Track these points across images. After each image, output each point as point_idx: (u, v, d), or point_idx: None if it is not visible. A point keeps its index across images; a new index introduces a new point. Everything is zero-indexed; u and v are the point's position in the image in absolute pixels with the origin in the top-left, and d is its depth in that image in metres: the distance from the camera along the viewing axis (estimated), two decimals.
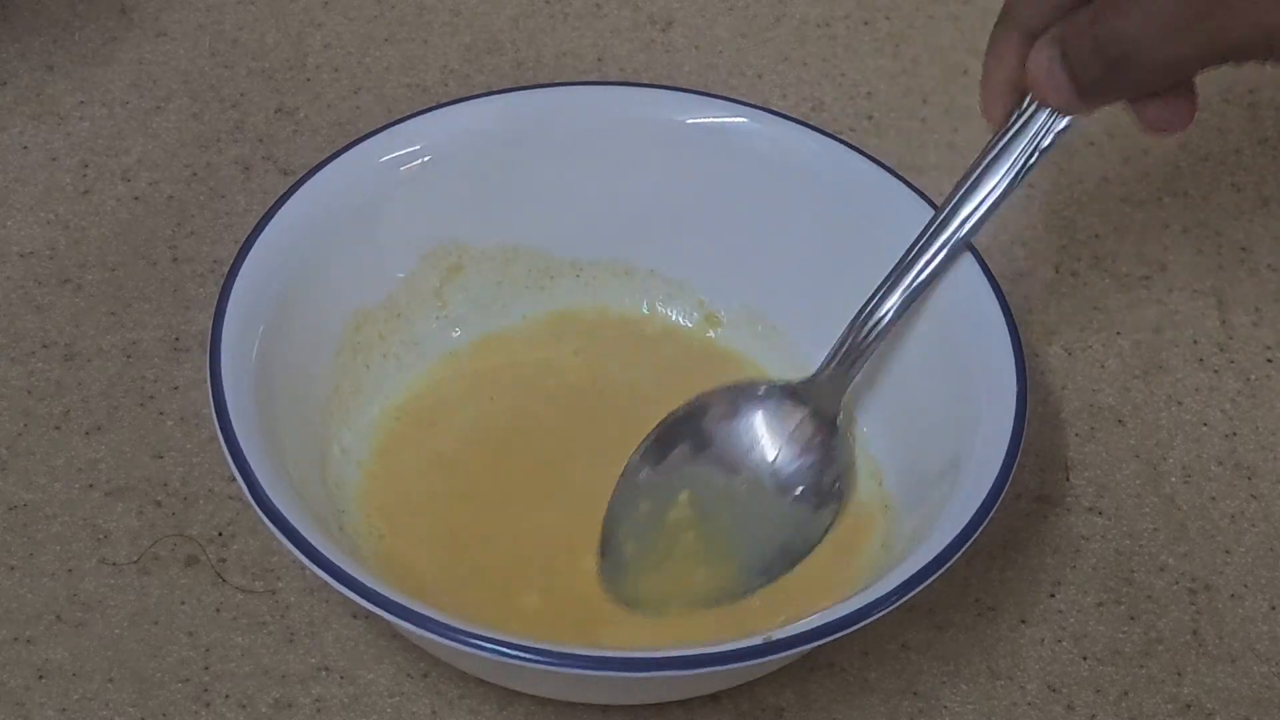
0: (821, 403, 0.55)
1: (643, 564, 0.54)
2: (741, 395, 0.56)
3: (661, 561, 0.54)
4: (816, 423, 0.55)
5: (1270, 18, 0.46)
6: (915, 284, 0.54)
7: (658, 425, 0.55)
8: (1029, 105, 0.52)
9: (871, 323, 0.54)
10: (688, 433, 0.55)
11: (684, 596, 0.53)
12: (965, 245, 0.54)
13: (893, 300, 0.54)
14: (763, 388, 0.56)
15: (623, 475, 0.55)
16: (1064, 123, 0.52)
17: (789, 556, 0.54)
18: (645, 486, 0.55)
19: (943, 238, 0.54)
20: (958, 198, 0.53)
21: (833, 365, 0.54)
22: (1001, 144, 0.53)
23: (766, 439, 0.55)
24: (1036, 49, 0.51)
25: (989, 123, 0.53)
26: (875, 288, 0.54)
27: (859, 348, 0.54)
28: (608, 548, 0.54)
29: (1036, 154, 0.52)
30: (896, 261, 0.54)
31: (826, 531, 0.54)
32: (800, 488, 0.55)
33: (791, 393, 0.55)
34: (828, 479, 0.55)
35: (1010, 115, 0.53)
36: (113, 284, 0.62)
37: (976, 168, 0.53)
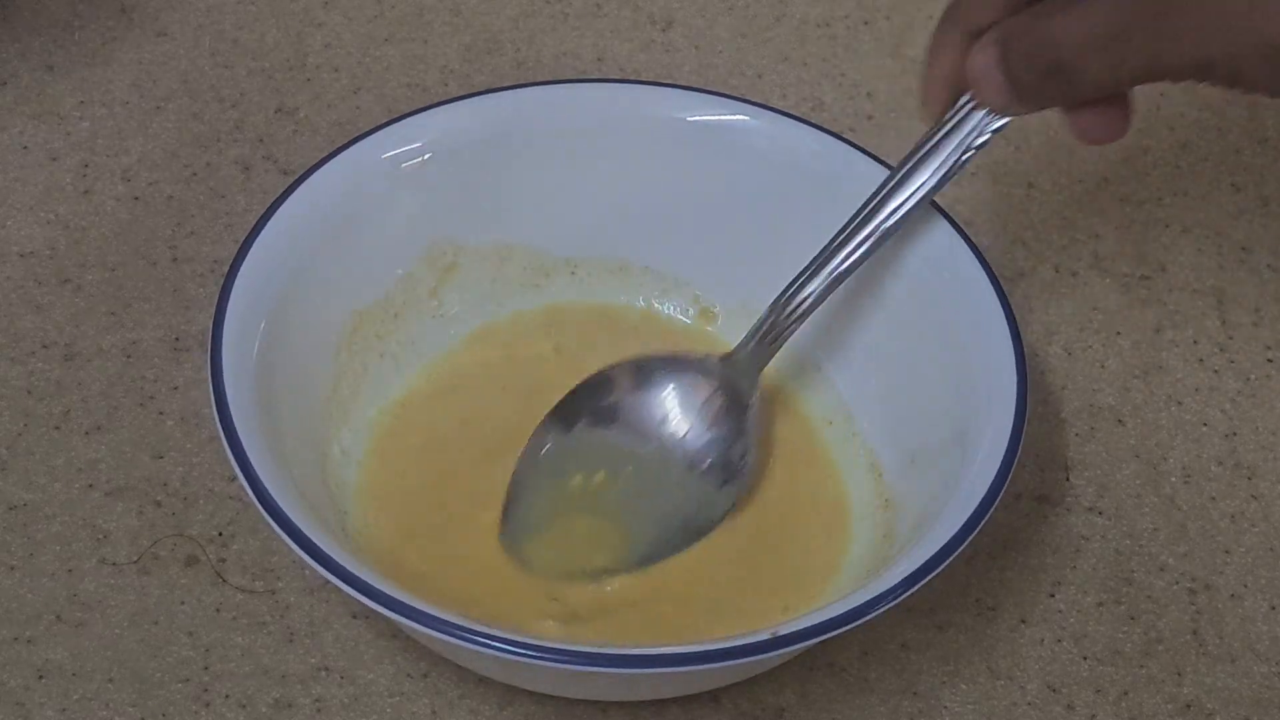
0: (738, 379, 0.55)
1: (539, 527, 0.54)
2: (657, 365, 0.56)
3: (557, 526, 0.54)
4: (729, 399, 0.55)
5: (1202, 50, 0.46)
6: (838, 271, 0.54)
7: (572, 390, 0.56)
8: (966, 102, 0.52)
9: (794, 305, 0.54)
10: (599, 399, 0.56)
11: (576, 562, 0.53)
12: (889, 234, 0.54)
13: (815, 284, 0.54)
14: (679, 360, 0.56)
15: (531, 436, 0.55)
16: (1000, 121, 0.52)
17: (689, 532, 0.54)
18: (551, 450, 0.55)
19: (869, 227, 0.54)
20: (887, 189, 0.54)
21: (753, 343, 0.55)
22: (936, 139, 0.53)
23: (677, 411, 0.55)
24: (977, 49, 0.51)
25: (925, 118, 0.54)
26: (799, 271, 0.54)
27: (779, 327, 0.55)
28: (509, 508, 0.54)
29: (970, 150, 0.53)
30: (821, 248, 0.54)
31: (728, 510, 0.55)
32: (706, 462, 0.55)
33: (708, 367, 0.56)
34: (734, 455, 0.55)
35: (947, 110, 0.53)
36: (113, 284, 0.62)
37: (909, 161, 0.53)
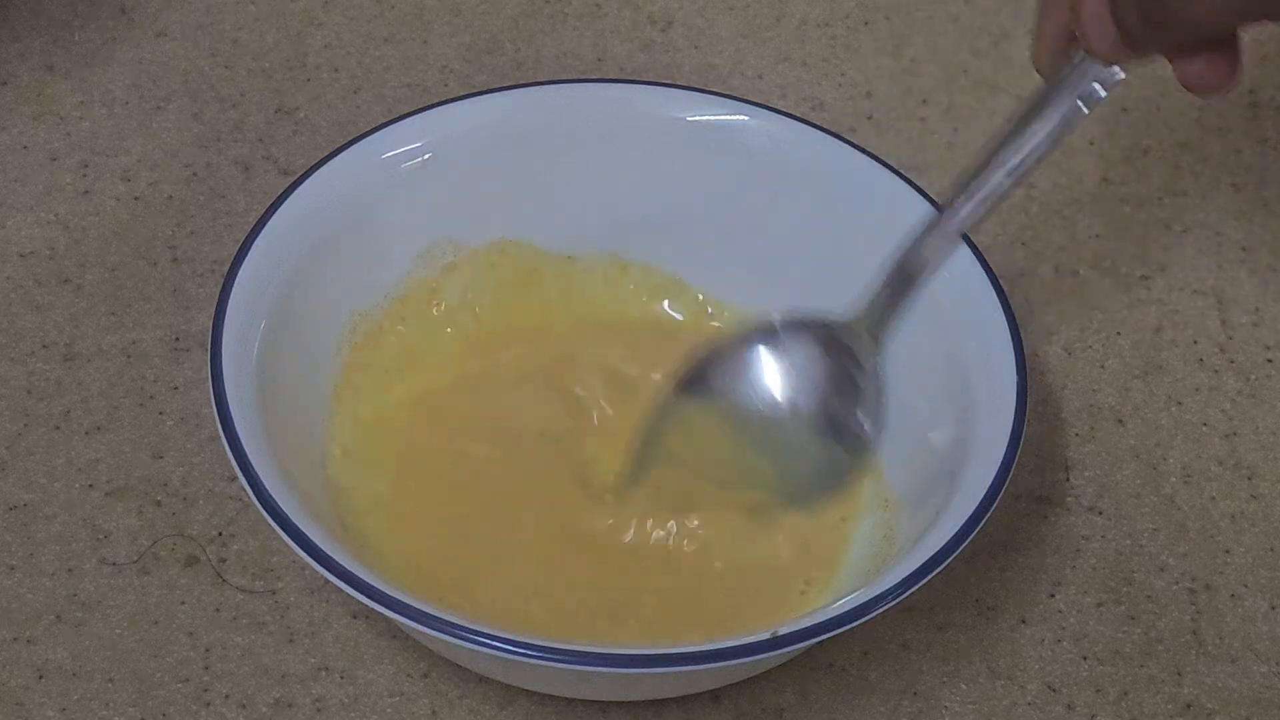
0: (864, 342, 0.54)
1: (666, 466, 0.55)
2: (788, 330, 0.55)
3: (684, 468, 0.55)
4: (858, 362, 0.54)
5: None
6: (955, 228, 0.52)
7: (701, 357, 0.55)
8: (1080, 57, 0.51)
9: (914, 264, 0.53)
10: (728, 362, 0.55)
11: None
12: (1006, 194, 0.52)
13: (935, 240, 0.53)
14: (809, 323, 0.55)
15: (661, 401, 0.55)
16: (1118, 75, 0.51)
17: (815, 491, 0.55)
18: (678, 412, 0.55)
19: (986, 187, 0.52)
20: (1001, 143, 0.52)
21: (877, 305, 0.54)
22: (1050, 94, 0.51)
23: (806, 377, 0.55)
24: None
25: (1039, 72, 0.52)
26: (919, 229, 0.53)
27: (901, 289, 0.53)
28: (636, 466, 0.55)
29: (1086, 104, 0.51)
30: (937, 211, 0.53)
31: (852, 471, 0.55)
32: (835, 426, 0.55)
33: (836, 331, 0.55)
34: (864, 419, 0.55)
35: (1059, 64, 0.51)
36: (113, 284, 0.62)
37: (1022, 117, 0.51)
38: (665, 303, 0.61)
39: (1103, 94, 0.51)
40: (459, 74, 0.70)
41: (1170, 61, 0.50)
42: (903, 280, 0.53)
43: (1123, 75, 0.51)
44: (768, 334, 0.55)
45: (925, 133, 0.68)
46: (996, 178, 0.52)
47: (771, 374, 0.55)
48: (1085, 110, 0.51)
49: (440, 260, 0.59)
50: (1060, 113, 0.51)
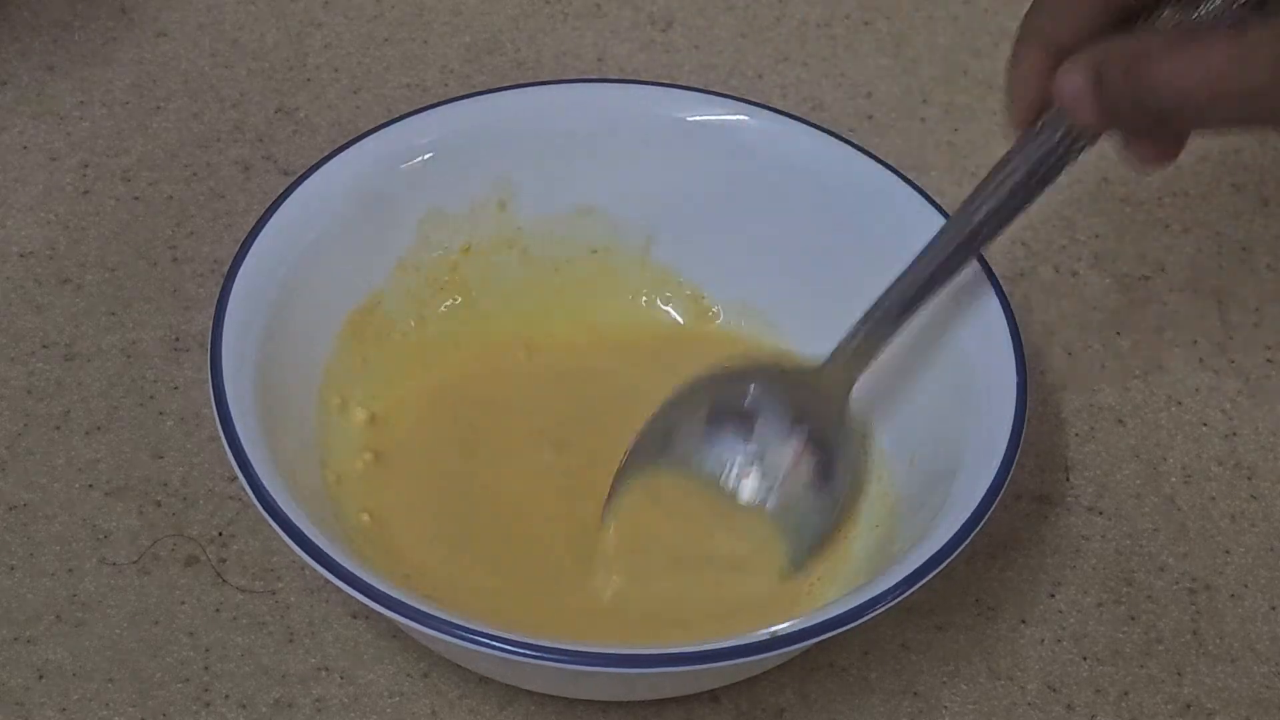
0: (835, 390, 0.55)
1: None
2: (756, 381, 0.55)
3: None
4: (831, 411, 0.55)
5: None
6: (924, 285, 0.53)
7: (668, 406, 0.55)
8: (1054, 115, 0.51)
9: (884, 318, 0.53)
10: (700, 417, 0.55)
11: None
12: (981, 245, 0.53)
13: (902, 297, 0.53)
14: (776, 373, 0.55)
15: (620, 470, 0.55)
16: (1087, 138, 0.51)
17: (808, 544, 0.54)
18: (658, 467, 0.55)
19: (959, 239, 0.53)
20: (980, 200, 0.52)
21: (844, 358, 0.54)
22: (1025, 149, 0.52)
23: (784, 429, 0.55)
24: (1067, 69, 0.49)
25: (1013, 126, 0.52)
26: (887, 287, 0.53)
27: (871, 343, 0.54)
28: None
29: (1062, 161, 0.51)
30: (908, 265, 0.53)
31: (837, 521, 0.54)
32: (815, 477, 0.55)
33: (805, 380, 0.55)
34: (840, 467, 0.55)
35: (1034, 121, 0.52)
36: (113, 284, 0.62)
37: (1001, 169, 0.52)
38: (665, 302, 0.61)
39: (1079, 151, 0.51)
40: (459, 74, 0.70)
41: (1124, 141, 0.50)
42: (877, 327, 0.54)
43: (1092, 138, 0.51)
44: (735, 393, 0.55)
45: (925, 133, 0.68)
46: (970, 227, 0.53)
47: (737, 447, 0.55)
48: (1060, 166, 0.52)
49: (440, 260, 0.59)
50: (1037, 167, 0.52)
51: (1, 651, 0.53)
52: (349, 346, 0.57)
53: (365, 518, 0.54)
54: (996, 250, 0.63)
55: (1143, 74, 0.47)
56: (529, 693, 0.52)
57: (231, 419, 0.49)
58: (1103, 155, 0.68)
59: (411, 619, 0.46)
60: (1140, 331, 0.63)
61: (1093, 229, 0.65)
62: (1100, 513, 0.58)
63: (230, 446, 0.49)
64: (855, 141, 0.58)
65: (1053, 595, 0.56)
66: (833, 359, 0.54)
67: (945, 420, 0.53)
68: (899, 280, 0.53)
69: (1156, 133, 0.50)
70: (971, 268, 0.54)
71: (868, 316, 0.54)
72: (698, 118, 0.59)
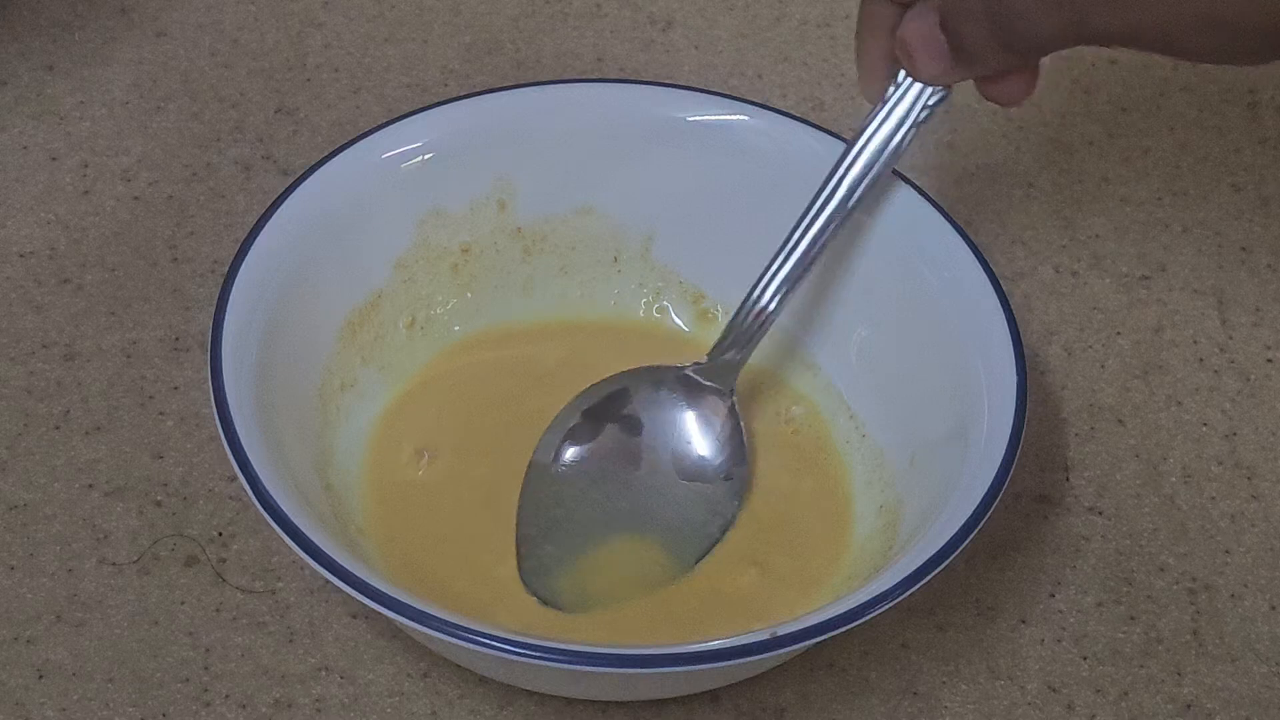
0: (724, 385, 0.56)
1: (565, 563, 0.54)
2: (650, 381, 0.56)
3: (583, 558, 0.54)
4: (726, 405, 0.56)
5: (1133, 16, 0.47)
6: (795, 275, 0.55)
7: (562, 418, 0.56)
8: (904, 80, 0.53)
9: (755, 310, 0.55)
10: (598, 422, 0.56)
11: (610, 591, 0.53)
12: (842, 222, 0.55)
13: (773, 288, 0.55)
14: (670, 373, 0.56)
15: (529, 470, 0.55)
16: (938, 95, 0.53)
17: (705, 538, 0.54)
18: (558, 481, 0.55)
19: (820, 222, 0.54)
20: (836, 174, 0.54)
21: (726, 349, 0.55)
22: (879, 116, 0.54)
23: (683, 425, 0.56)
24: (913, 15, 0.51)
25: (867, 99, 0.54)
26: (757, 276, 0.55)
27: (749, 333, 0.55)
28: (525, 551, 0.54)
29: (913, 128, 0.54)
30: (778, 247, 0.55)
31: (737, 510, 0.55)
32: (716, 470, 0.55)
33: (698, 380, 0.56)
34: (737, 458, 0.55)
35: (887, 88, 0.54)
36: (113, 284, 0.62)
37: (854, 144, 0.54)
38: (665, 302, 0.61)
39: (928, 113, 0.53)
40: (459, 74, 0.70)
41: (981, 81, 0.52)
42: (751, 322, 0.55)
43: (943, 96, 0.53)
44: (618, 397, 0.56)
45: (925, 132, 0.68)
46: (832, 205, 0.54)
47: (633, 441, 0.56)
48: (911, 135, 0.54)
49: (441, 260, 0.59)
50: (891, 136, 0.54)
51: (1, 651, 0.53)
52: (349, 346, 0.57)
53: (365, 517, 0.54)
54: (996, 250, 0.63)
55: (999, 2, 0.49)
56: (529, 693, 0.52)
57: (231, 419, 0.49)
58: (1103, 155, 0.68)
59: (411, 619, 0.46)
60: (1140, 331, 0.63)
61: (1093, 229, 0.65)
62: (1100, 513, 0.58)
63: (230, 446, 0.49)
64: None
65: (1053, 595, 0.56)
66: (717, 352, 0.56)
67: (945, 420, 0.53)
68: (767, 270, 0.55)
69: (1010, 63, 0.51)
70: (971, 268, 0.54)
71: (741, 309, 0.55)
72: (698, 118, 0.59)
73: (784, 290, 0.55)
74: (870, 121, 0.54)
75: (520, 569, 0.53)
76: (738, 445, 0.55)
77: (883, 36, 0.53)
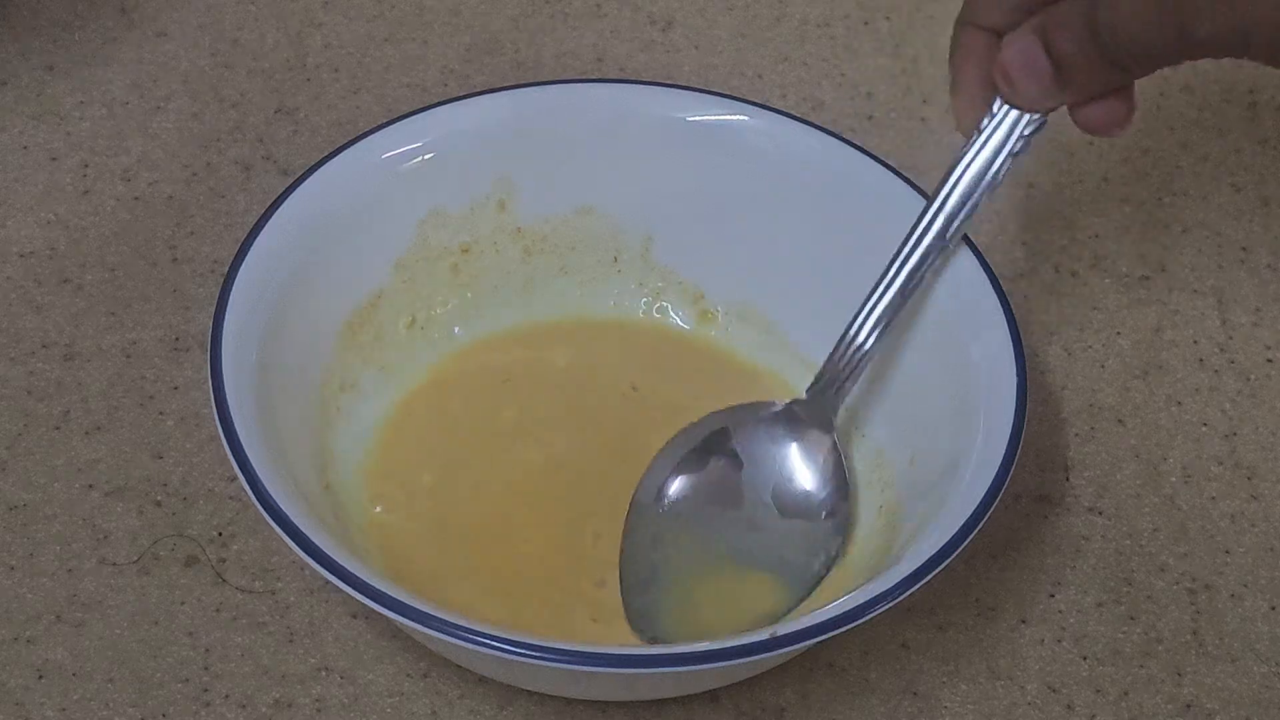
0: (825, 422, 0.55)
1: (670, 603, 0.53)
2: (751, 418, 0.55)
3: (690, 598, 0.53)
4: (829, 441, 0.55)
5: (1236, 19, 0.46)
6: (890, 312, 0.54)
7: (664, 458, 0.55)
8: (999, 110, 0.52)
9: (853, 348, 0.54)
10: (700, 461, 0.55)
11: (716, 631, 0.52)
12: (938, 256, 0.54)
13: (870, 324, 0.54)
14: (770, 410, 0.56)
15: (631, 510, 0.54)
16: (1036, 123, 0.52)
17: (813, 577, 0.54)
18: (661, 521, 0.54)
19: (915, 257, 0.54)
20: (932, 209, 0.53)
21: (826, 387, 0.55)
22: (974, 150, 0.53)
23: (787, 461, 0.55)
24: (1013, 39, 0.50)
25: (962, 131, 0.53)
26: (853, 314, 0.54)
27: (847, 370, 0.54)
28: (631, 589, 0.53)
29: (1009, 159, 0.52)
30: (873, 284, 0.54)
31: (842, 546, 0.54)
32: (817, 508, 0.55)
33: (798, 415, 0.55)
34: (839, 494, 0.55)
35: (981, 119, 0.53)
36: (113, 284, 0.62)
37: (950, 177, 0.53)
38: (665, 302, 0.61)
39: (1024, 143, 0.52)
40: (459, 74, 0.70)
41: (1076, 108, 0.51)
42: (846, 362, 0.54)
43: (1041, 123, 0.52)
44: (719, 436, 0.55)
45: (925, 133, 0.68)
46: (927, 241, 0.54)
47: (734, 479, 0.55)
48: (1009, 162, 0.53)
49: (441, 260, 0.59)
50: (987, 166, 0.53)
51: (1, 651, 0.53)
52: (349, 347, 0.57)
53: (365, 518, 0.54)
54: (996, 250, 0.63)
55: (1083, 13, 0.48)
56: (529, 693, 0.52)
57: (231, 419, 0.49)
58: (1102, 155, 0.68)
59: (411, 619, 0.46)
60: (1140, 331, 0.63)
61: (1093, 229, 0.65)
62: (1100, 513, 0.58)
63: (230, 446, 0.49)
64: (855, 141, 0.58)
65: (1053, 595, 0.56)
66: (814, 388, 0.55)
67: (945, 420, 0.53)
68: (861, 308, 0.54)
69: (1111, 82, 0.50)
70: (972, 268, 0.54)
71: (834, 351, 0.54)
72: (698, 118, 0.59)
73: (880, 326, 0.54)
74: (965, 153, 0.53)
75: (626, 611, 0.53)
76: (840, 481, 0.55)
77: (979, 64, 0.52)
